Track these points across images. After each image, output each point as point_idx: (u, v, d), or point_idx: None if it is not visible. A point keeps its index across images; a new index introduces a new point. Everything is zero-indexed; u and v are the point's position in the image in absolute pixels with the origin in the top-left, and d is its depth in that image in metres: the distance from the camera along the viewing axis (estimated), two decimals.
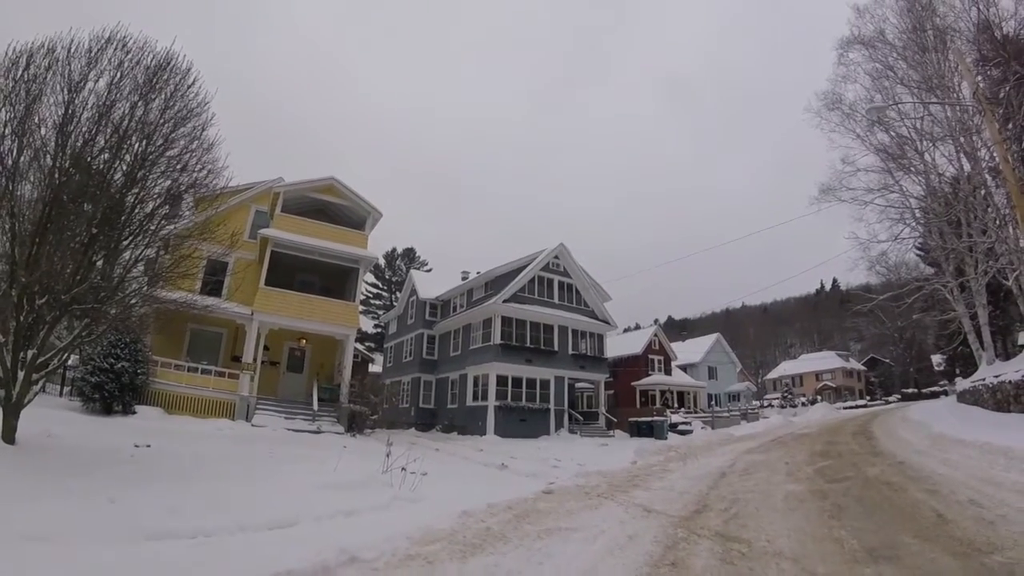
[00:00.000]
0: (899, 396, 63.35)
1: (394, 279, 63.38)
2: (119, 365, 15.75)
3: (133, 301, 10.72)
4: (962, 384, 24.38)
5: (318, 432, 18.18)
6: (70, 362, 16.72)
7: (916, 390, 61.51)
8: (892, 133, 22.90)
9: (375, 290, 63.93)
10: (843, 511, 7.19)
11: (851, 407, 56.64)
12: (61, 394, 17.80)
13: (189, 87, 10.45)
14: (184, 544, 5.27)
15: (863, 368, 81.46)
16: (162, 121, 10.09)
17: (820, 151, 31.64)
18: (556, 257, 30.49)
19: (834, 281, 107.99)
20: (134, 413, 16.19)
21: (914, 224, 23.57)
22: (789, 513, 7.31)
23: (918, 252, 26.37)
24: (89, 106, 9.51)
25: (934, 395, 52.62)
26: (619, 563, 5.26)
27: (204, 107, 10.78)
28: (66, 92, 9.34)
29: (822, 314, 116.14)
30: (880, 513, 6.93)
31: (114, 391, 15.74)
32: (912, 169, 22.81)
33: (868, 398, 69.53)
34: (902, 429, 19.47)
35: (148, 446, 10.97)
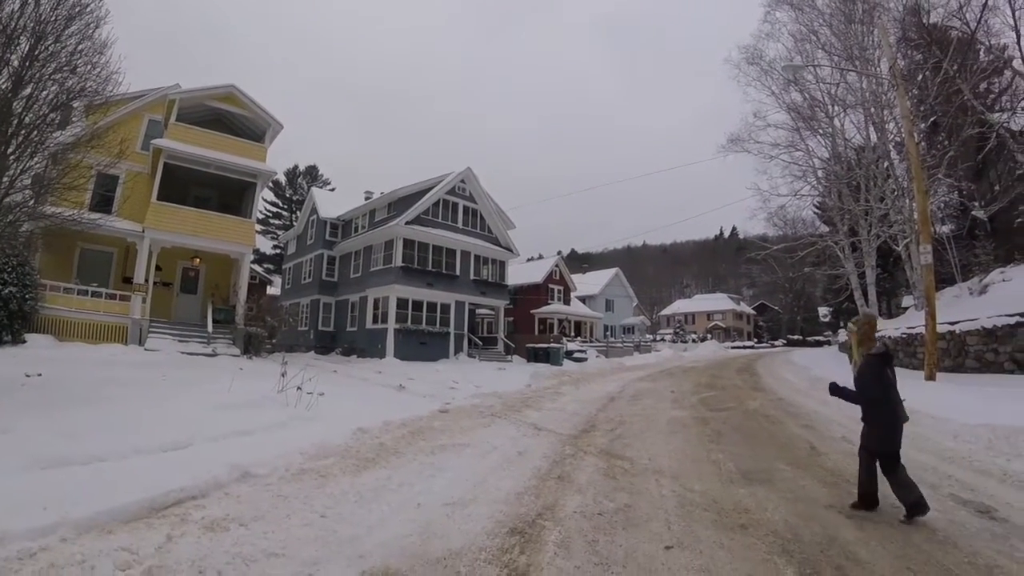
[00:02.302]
0: (785, 341, 67.93)
1: (295, 198, 60.41)
2: (6, 291, 14.43)
3: (18, 218, 9.92)
4: (845, 335, 26.28)
5: (213, 355, 17.45)
6: None
7: (801, 337, 66.02)
8: (806, 95, 23.71)
9: (275, 209, 60.82)
10: (722, 437, 7.68)
11: (739, 347, 60.28)
12: None
13: None
14: (78, 470, 5.06)
15: (753, 312, 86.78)
16: (53, 18, 9.22)
17: (735, 105, 32.23)
18: (463, 181, 29.88)
19: (733, 229, 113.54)
20: (24, 342, 14.96)
21: (815, 183, 24.78)
22: (671, 436, 7.76)
23: (816, 210, 27.82)
24: None
25: (818, 344, 56.69)
26: (508, 476, 5.44)
27: (98, 3, 9.92)
28: None
29: (719, 259, 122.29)
30: (757, 442, 7.42)
31: (2, 319, 14.54)
32: (820, 131, 23.88)
33: (755, 340, 74.18)
34: (785, 370, 20.93)
35: (39, 375, 10.31)
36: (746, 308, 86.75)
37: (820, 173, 24.45)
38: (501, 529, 4.09)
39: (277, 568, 3.39)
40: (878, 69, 20.07)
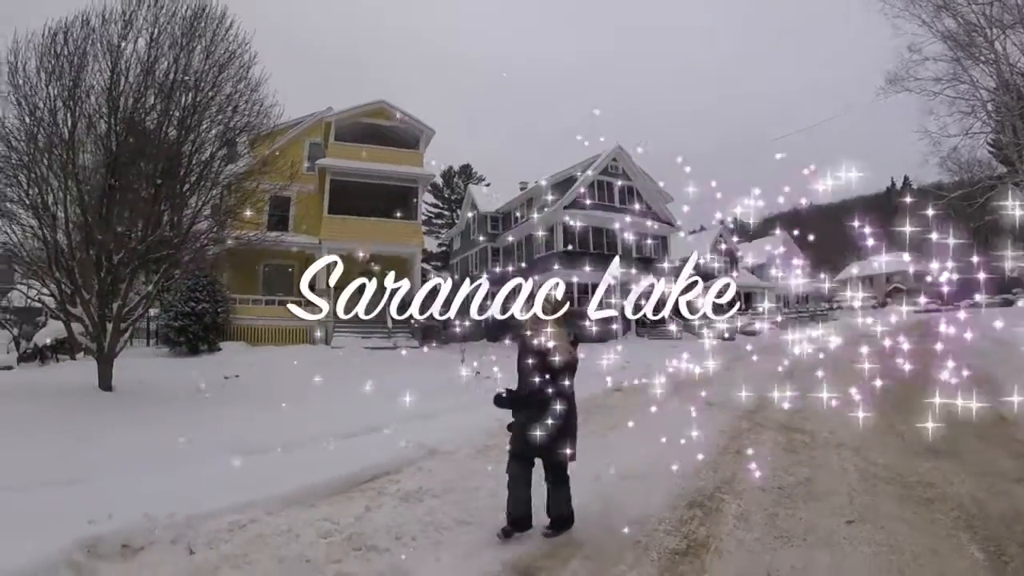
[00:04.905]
0: (971, 301, 60.98)
1: (453, 197, 62.22)
2: (200, 307, 16.56)
3: (204, 244, 11.35)
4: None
5: (394, 348, 18.54)
6: (152, 313, 17.66)
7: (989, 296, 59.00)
8: (960, 19, 21.01)
9: (436, 209, 62.89)
10: (905, 407, 7.26)
11: (922, 311, 54.83)
12: (148, 344, 18.41)
13: (227, 31, 10.81)
14: (279, 454, 5.79)
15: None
16: (206, 68, 10.49)
17: (886, 40, 28.44)
18: (614, 160, 29.33)
19: (904, 179, 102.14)
20: (219, 350, 17.00)
21: (986, 118, 21.92)
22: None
23: (990, 149, 24.79)
24: (134, 66, 9.88)
25: (1006, 302, 50.41)
26: (684, 451, 5.45)
27: (245, 47, 11.12)
28: (109, 57, 9.69)
29: (891, 213, 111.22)
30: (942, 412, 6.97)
31: (198, 332, 16.59)
32: (982, 59, 21.00)
33: (939, 302, 67.11)
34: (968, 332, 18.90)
35: (236, 376, 11.63)
36: (927, 267, 78.52)
37: (989, 106, 21.57)
38: (680, 502, 4.26)
39: (467, 535, 3.76)
40: None
